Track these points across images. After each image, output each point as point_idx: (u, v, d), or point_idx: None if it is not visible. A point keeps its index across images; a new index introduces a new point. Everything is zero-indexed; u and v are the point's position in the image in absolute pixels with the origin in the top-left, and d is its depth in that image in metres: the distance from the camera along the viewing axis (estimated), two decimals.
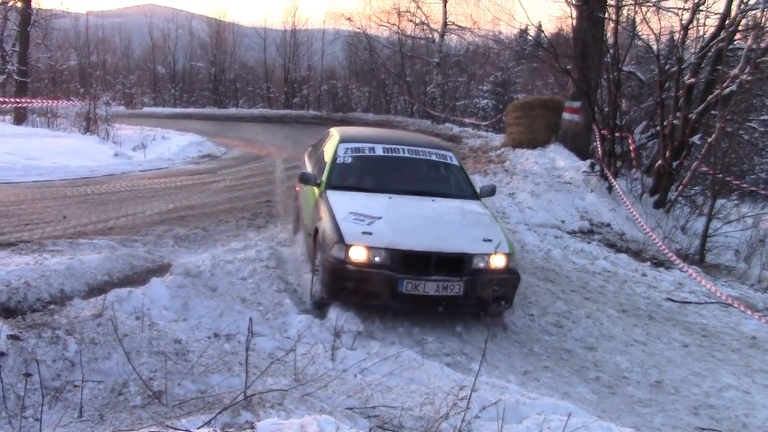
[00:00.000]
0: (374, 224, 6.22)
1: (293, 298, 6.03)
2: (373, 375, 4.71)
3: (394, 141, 8.08)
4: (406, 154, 7.76)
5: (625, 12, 14.25)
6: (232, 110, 42.48)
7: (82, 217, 9.33)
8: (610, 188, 12.32)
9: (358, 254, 5.90)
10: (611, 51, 13.10)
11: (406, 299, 5.95)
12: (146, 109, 43.04)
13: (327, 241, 6.05)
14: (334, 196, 6.80)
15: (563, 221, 10.92)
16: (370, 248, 5.91)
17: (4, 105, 26.45)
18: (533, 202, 11.33)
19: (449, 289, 5.97)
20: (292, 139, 24.59)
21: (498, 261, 6.18)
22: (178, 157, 18.44)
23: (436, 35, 34.64)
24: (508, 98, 35.78)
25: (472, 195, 7.62)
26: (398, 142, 8.00)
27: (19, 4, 30.02)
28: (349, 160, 7.51)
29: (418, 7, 34.37)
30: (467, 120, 32.34)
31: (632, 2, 13.80)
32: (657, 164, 12.22)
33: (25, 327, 4.73)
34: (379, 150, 7.71)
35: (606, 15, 13.92)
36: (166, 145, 20.49)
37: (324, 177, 7.21)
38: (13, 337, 4.48)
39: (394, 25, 35.68)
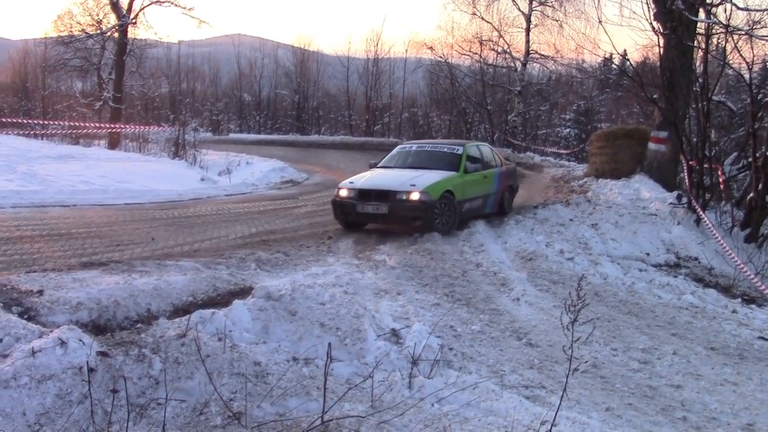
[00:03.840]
0: (360, 179, 11.44)
1: (371, 324, 6.04)
2: (451, 405, 4.66)
3: (428, 142, 13.86)
4: (428, 148, 12.82)
5: (715, 40, 13.87)
6: (314, 137, 43.26)
7: (170, 239, 9.63)
8: (698, 221, 11.94)
9: (342, 192, 11.14)
10: (700, 80, 12.76)
11: (360, 215, 10.78)
12: (232, 135, 44.29)
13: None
14: (370, 170, 12.39)
15: (648, 254, 10.62)
16: (348, 189, 11.07)
17: (99, 130, 27.68)
18: (617, 233, 11.07)
19: (380, 209, 10.50)
20: None
21: (413, 196, 10.37)
22: (262, 183, 18.89)
23: (518, 64, 34.51)
24: (591, 127, 35.27)
25: (455, 168, 11.63)
26: (429, 143, 13.75)
27: (116, 35, 31.48)
28: (395, 153, 13.08)
29: (501, 36, 34.36)
30: (549, 149, 31.99)
31: (723, 30, 13.43)
32: (749, 197, 11.78)
33: (113, 344, 4.89)
34: (414, 147, 13.09)
35: (695, 43, 13.59)
36: (250, 171, 21.01)
37: (375, 161, 13.01)
38: (102, 354, 4.63)
39: (475, 53, 35.72)
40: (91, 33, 32.89)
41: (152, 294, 6.33)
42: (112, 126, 27.95)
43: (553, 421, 4.08)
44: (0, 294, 6.00)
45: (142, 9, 31.12)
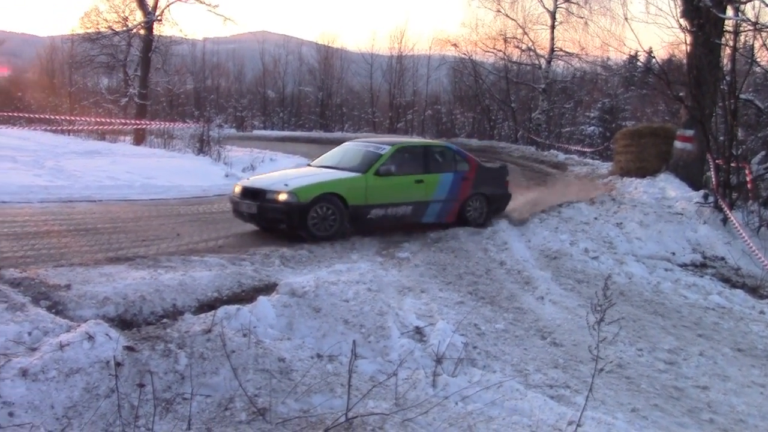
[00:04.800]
0: (255, 176, 12.09)
1: (395, 321, 6.04)
2: (475, 404, 4.65)
3: (369, 140, 12.18)
4: (358, 146, 11.61)
5: (742, 37, 13.71)
6: (337, 134, 43.28)
7: (194, 235, 9.69)
8: (724, 220, 11.80)
9: (236, 189, 10.52)
10: (728, 78, 12.60)
11: (241, 213, 10.20)
12: (256, 132, 44.49)
13: None
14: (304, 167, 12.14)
15: (674, 253, 10.52)
16: (239, 185, 10.53)
17: (125, 126, 27.92)
18: (642, 232, 10.97)
19: (251, 209, 9.90)
20: None
21: (280, 197, 9.60)
22: None
23: (543, 61, 34.32)
24: (616, 125, 34.95)
25: (364, 170, 10.45)
26: (369, 141, 12.07)
27: (141, 32, 31.72)
28: (334, 150, 12.04)
29: (525, 33, 34.20)
30: (573, 147, 31.77)
31: (751, 28, 13.25)
32: None
33: (139, 339, 4.94)
34: (350, 144, 12.05)
35: (723, 41, 13.42)
36: (274, 167, 21.03)
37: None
38: (129, 349, 4.68)
39: (500, 51, 35.61)
40: (117, 30, 33.15)
41: (178, 289, 6.38)
42: (138, 122, 28.17)
43: (579, 421, 4.06)
44: (28, 288, 6.08)
45: (168, 6, 31.29)
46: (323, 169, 10.95)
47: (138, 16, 31.95)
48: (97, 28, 33.97)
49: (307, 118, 53.56)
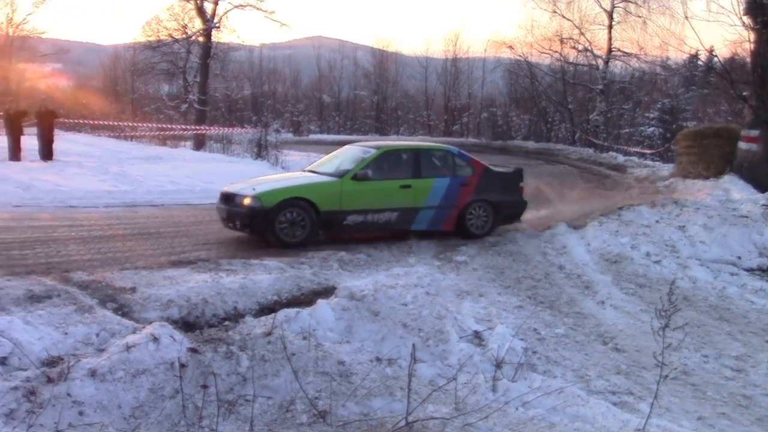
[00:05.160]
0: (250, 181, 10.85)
1: (454, 325, 6.02)
2: (536, 409, 4.60)
3: (365, 144, 11.51)
4: (349, 150, 11.16)
5: None
6: (393, 137, 43.39)
7: (253, 239, 9.82)
8: None
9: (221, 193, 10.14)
10: None
11: (221, 217, 9.97)
12: (312, 136, 44.90)
13: None
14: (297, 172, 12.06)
15: (739, 257, 10.22)
16: (222, 190, 10.15)
17: (185, 132, 28.51)
18: (706, 236, 10.69)
19: (223, 213, 9.85)
20: None
21: (245, 201, 9.44)
22: None
23: (600, 62, 33.85)
24: (677, 126, 34.15)
25: (342, 175, 10.06)
26: (365, 145, 11.37)
27: (200, 39, 32.37)
28: (330, 155, 11.66)
29: (582, 34, 33.77)
30: (632, 149, 31.19)
31: None
32: None
33: (202, 341, 5.03)
34: (344, 148, 11.61)
35: None
36: None
37: None
38: (193, 350, 4.77)
39: (556, 52, 35.25)
40: (177, 37, 33.98)
41: (239, 292, 6.48)
42: (197, 128, 28.75)
43: (644, 428, 3.98)
44: (96, 291, 6.27)
45: (226, 13, 31.91)
46: (306, 174, 10.72)
47: (197, 24, 32.70)
48: (158, 36, 34.91)
49: (362, 122, 53.82)
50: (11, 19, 46.40)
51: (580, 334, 6.80)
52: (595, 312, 7.55)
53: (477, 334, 6.04)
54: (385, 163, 10.42)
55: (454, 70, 49.20)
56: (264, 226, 9.37)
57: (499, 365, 5.20)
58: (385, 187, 10.12)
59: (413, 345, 4.88)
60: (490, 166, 11.20)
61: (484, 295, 7.50)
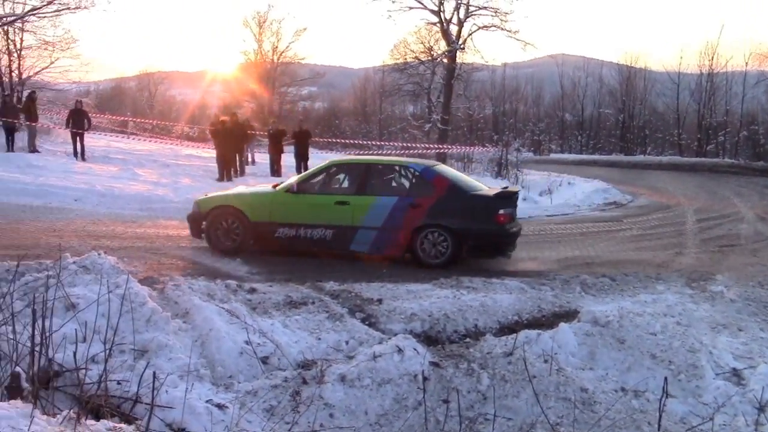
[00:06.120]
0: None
1: (709, 360, 5.57)
2: None
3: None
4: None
5: None
6: (639, 157, 41.54)
7: (494, 260, 9.83)
8: None
9: None
10: None
11: None
12: (553, 156, 44.28)
13: None
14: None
15: None
16: None
17: (427, 150, 29.37)
18: None
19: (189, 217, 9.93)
20: (706, 189, 23.13)
21: (192, 206, 9.94)
22: (584, 204, 18.53)
23: None
24: None
25: (275, 186, 10.05)
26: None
27: (445, 60, 33.25)
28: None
29: None
30: None
31: None
32: None
33: (444, 356, 5.13)
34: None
35: None
36: (572, 192, 20.74)
37: None
38: (435, 365, 4.88)
39: None
40: (423, 59, 35.21)
41: (479, 310, 6.52)
42: (439, 146, 29.46)
43: None
44: (346, 300, 6.65)
45: (471, 35, 32.43)
46: (265, 185, 11.03)
47: (442, 46, 33.58)
48: (405, 59, 36.49)
49: (606, 141, 52.13)
50: (276, 47, 51.13)
51: None
52: None
53: (736, 372, 5.54)
54: (329, 177, 9.89)
55: (710, 85, 45.93)
56: (197, 231, 9.71)
57: (762, 408, 4.72)
58: (319, 202, 9.48)
59: (665, 378, 4.59)
60: (468, 188, 9.54)
61: (743, 330, 6.85)
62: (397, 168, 10.09)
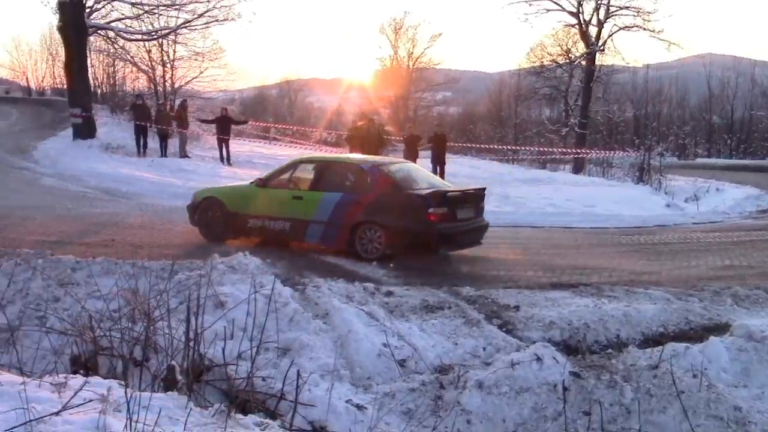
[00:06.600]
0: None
1: None
2: None
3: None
4: None
5: None
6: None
7: (636, 266, 9.48)
8: None
9: None
10: None
11: None
12: (699, 160, 42.21)
13: None
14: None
15: None
16: None
17: (564, 155, 28.75)
18: None
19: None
20: None
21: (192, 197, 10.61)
22: (734, 211, 17.49)
23: None
24: None
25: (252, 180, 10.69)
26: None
27: (583, 63, 32.46)
28: None
29: None
30: None
31: None
32: None
33: (584, 366, 4.97)
34: None
35: None
36: (721, 198, 19.67)
37: None
38: (575, 375, 4.74)
39: None
40: (560, 62, 34.54)
41: (621, 320, 6.29)
42: (577, 151, 28.77)
43: None
44: (482, 306, 6.59)
45: (611, 36, 31.49)
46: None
47: (580, 48, 32.85)
48: (542, 62, 35.98)
49: (759, 145, 49.04)
50: (411, 53, 51.66)
51: None
52: None
53: None
54: (291, 172, 10.35)
55: None
56: (192, 219, 10.38)
57: None
58: (280, 196, 10.03)
59: None
60: (407, 187, 9.58)
61: None
62: (348, 166, 10.45)
